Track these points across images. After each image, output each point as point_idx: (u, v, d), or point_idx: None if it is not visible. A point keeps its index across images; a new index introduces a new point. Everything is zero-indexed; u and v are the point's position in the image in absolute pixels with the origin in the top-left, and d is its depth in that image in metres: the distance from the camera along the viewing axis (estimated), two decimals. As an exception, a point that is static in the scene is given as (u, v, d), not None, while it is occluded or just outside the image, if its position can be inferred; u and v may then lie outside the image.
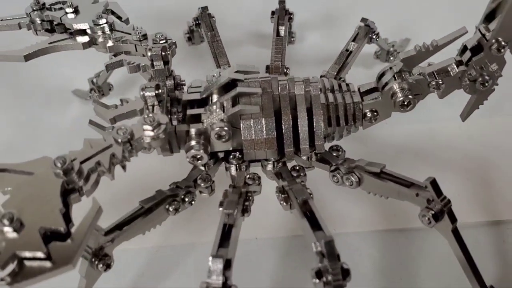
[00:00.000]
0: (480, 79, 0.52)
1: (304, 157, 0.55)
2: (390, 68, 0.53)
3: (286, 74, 0.66)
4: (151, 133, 0.46)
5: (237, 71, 0.53)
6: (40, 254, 0.38)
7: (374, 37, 0.69)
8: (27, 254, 0.38)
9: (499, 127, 0.71)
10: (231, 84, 0.53)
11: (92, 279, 0.46)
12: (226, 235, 0.45)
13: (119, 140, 0.45)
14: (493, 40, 0.49)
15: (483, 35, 0.50)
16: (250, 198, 0.52)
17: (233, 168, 0.55)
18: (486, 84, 0.52)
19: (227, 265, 0.42)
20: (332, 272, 0.39)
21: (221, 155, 0.56)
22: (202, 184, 0.54)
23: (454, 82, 0.53)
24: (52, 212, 0.41)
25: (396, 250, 0.60)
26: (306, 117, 0.52)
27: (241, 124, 0.51)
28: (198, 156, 0.52)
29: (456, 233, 0.45)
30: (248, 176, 0.54)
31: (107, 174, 0.45)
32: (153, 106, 0.50)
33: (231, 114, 0.51)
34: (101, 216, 0.42)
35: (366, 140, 0.72)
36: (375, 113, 0.54)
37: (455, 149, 0.69)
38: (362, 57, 0.71)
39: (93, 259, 0.45)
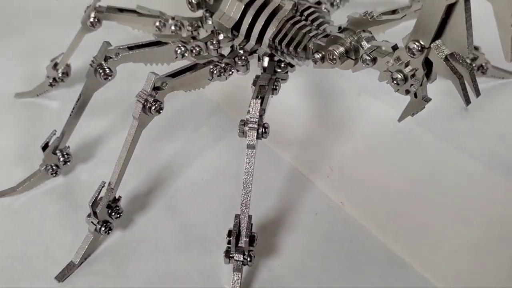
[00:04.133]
0: (398, 75, 0.49)
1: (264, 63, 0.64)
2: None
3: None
4: None
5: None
6: None
7: None
8: None
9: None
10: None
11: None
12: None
13: None
14: (413, 39, 0.46)
15: (412, 33, 0.47)
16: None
17: (220, 37, 0.67)
18: (394, 82, 0.49)
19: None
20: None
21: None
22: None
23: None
24: None
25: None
26: (264, 20, 0.60)
27: (223, -1, 0.63)
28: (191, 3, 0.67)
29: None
30: (215, 46, 0.66)
31: None
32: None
33: (222, -11, 0.63)
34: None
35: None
36: (321, 57, 0.57)
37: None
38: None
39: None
